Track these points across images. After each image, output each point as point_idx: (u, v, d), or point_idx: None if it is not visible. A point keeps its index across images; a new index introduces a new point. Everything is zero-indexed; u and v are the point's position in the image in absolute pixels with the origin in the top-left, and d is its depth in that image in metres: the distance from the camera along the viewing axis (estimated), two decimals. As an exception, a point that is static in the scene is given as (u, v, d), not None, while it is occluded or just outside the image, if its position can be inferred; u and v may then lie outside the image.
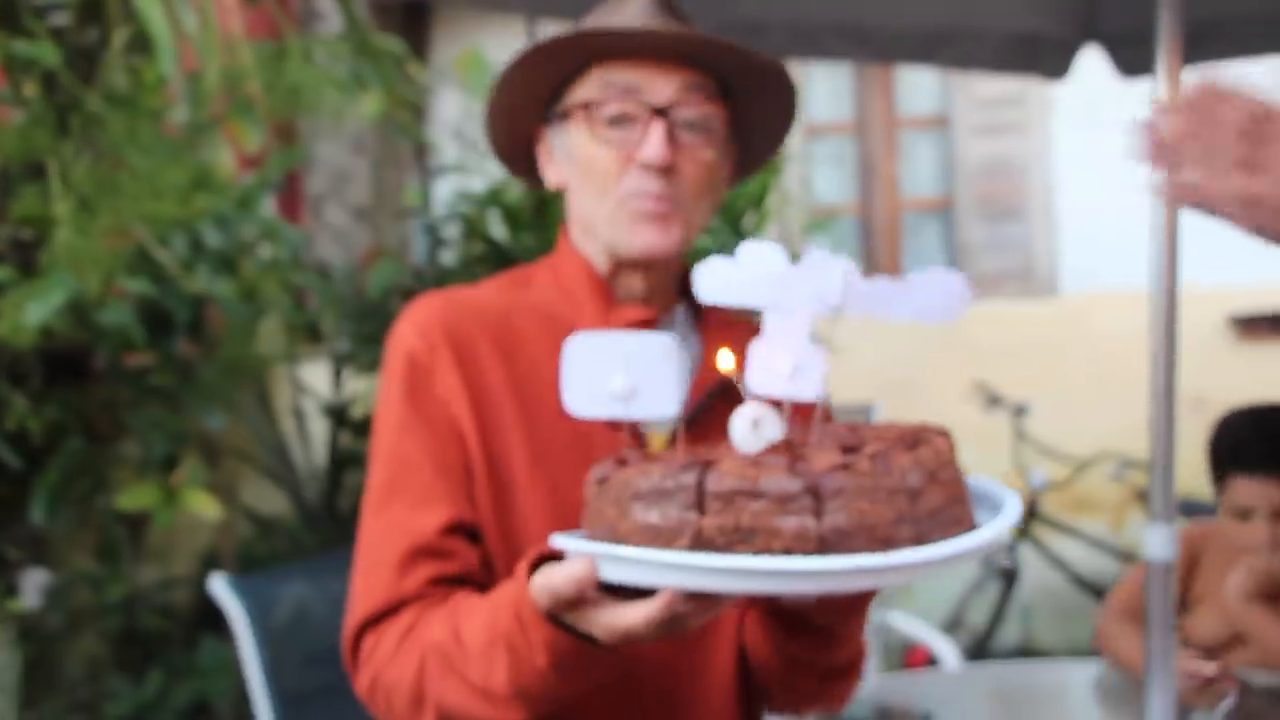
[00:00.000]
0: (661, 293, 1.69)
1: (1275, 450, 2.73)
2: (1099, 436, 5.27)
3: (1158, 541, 2.24)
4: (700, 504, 1.20)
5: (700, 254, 4.40)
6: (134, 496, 3.83)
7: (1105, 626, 2.93)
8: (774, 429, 1.22)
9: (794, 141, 7.38)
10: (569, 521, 1.44)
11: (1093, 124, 7.00)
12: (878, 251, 7.62)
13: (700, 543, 1.19)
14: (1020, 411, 5.56)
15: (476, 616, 1.42)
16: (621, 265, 1.64)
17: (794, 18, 3.10)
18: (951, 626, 5.27)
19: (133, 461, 4.23)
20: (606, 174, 1.59)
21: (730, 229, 4.93)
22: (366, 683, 1.52)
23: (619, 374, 1.33)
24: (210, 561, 4.26)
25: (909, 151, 7.67)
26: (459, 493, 1.56)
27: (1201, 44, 2.85)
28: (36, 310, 3.51)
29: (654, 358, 1.33)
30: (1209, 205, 1.37)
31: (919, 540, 1.17)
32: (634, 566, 1.22)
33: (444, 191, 5.51)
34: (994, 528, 1.23)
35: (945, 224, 7.59)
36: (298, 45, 4.13)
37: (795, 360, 1.28)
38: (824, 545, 1.15)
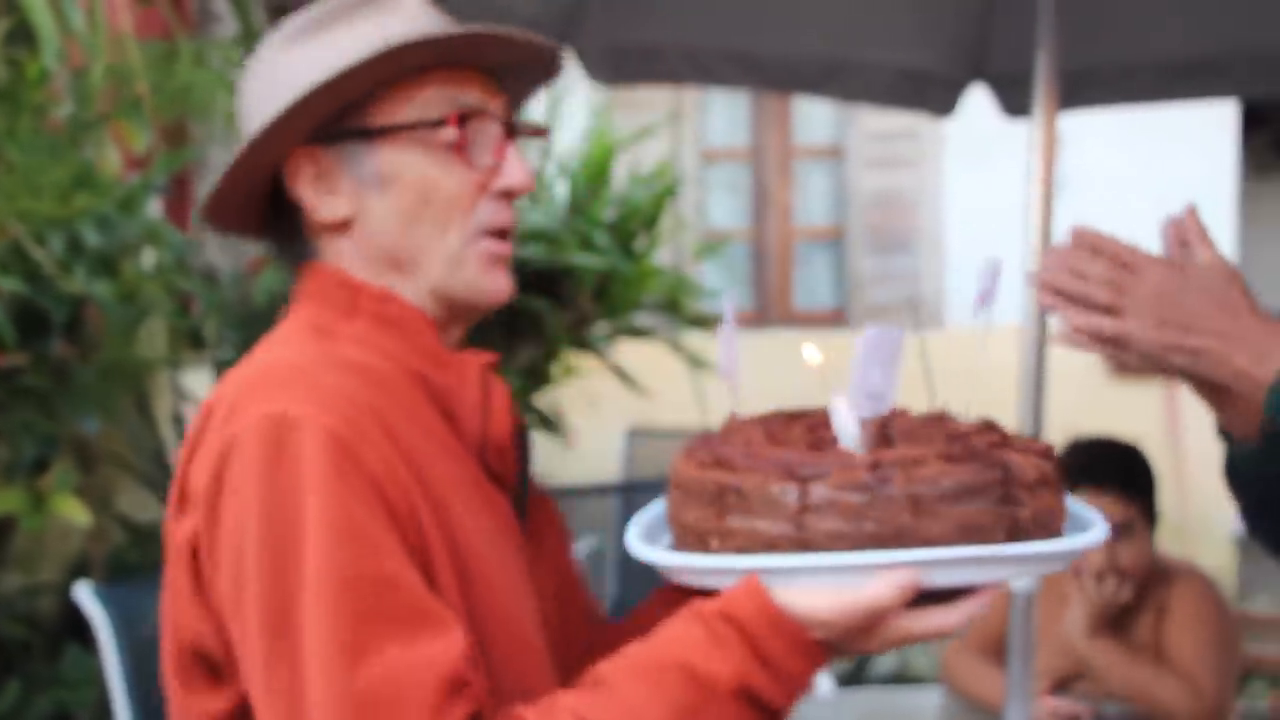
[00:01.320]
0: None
1: (1116, 468, 2.82)
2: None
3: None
4: (1010, 496, 1.20)
5: (590, 274, 4.42)
6: (6, 500, 3.76)
7: (952, 657, 3.00)
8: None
9: (689, 166, 7.44)
10: (518, 588, 1.35)
11: (982, 162, 7.13)
12: (768, 279, 7.69)
13: (1016, 534, 1.20)
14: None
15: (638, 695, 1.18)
16: (454, 310, 1.44)
17: (690, 44, 3.12)
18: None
19: (2, 464, 4.15)
20: (454, 204, 1.40)
21: (622, 250, 4.95)
22: None
23: (877, 371, 1.29)
24: (79, 569, 4.18)
25: (803, 181, 7.75)
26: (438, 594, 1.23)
27: (1079, 89, 2.93)
28: (-97, 306, 3.44)
29: (897, 355, 1.30)
30: (1083, 345, 1.53)
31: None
32: (974, 566, 1.18)
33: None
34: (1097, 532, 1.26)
35: (836, 253, 7.67)
36: (190, 47, 4.09)
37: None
38: None
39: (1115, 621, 2.75)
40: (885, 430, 1.32)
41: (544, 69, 1.52)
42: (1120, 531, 2.71)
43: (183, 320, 4.31)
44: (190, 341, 4.40)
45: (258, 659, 1.18)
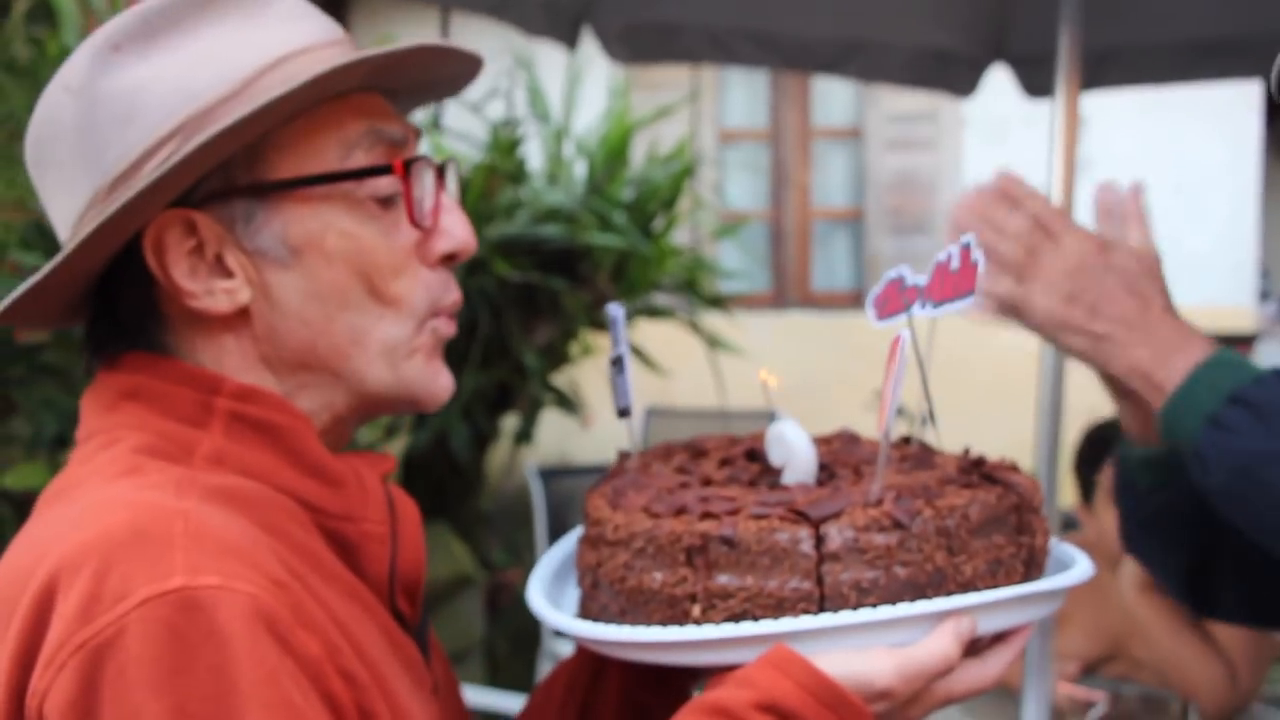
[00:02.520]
0: None
1: None
2: (993, 449, 5.32)
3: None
4: (1023, 524, 1.09)
5: (608, 254, 4.42)
6: (22, 475, 3.78)
7: None
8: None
9: (708, 146, 7.43)
10: (430, 716, 1.10)
11: (1001, 143, 7.10)
12: (786, 260, 7.67)
13: (1031, 567, 1.09)
14: (921, 422, 5.59)
15: None
16: (368, 414, 1.13)
17: (709, 22, 3.11)
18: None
19: (22, 440, 4.17)
20: (389, 268, 1.07)
21: (640, 230, 4.95)
22: None
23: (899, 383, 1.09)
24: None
25: (821, 161, 7.73)
26: None
27: (1102, 69, 2.92)
28: (-73, 282, 3.46)
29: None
30: (977, 305, 1.39)
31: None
32: (1024, 607, 1.05)
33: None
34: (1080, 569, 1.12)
35: (854, 234, 7.66)
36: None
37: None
38: None
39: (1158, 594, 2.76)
40: (835, 463, 1.20)
41: (450, 85, 1.22)
42: None
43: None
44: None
45: None
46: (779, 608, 1.00)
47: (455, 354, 4.58)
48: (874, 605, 0.99)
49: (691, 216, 6.19)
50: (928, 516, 1.01)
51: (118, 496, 0.95)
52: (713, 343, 5.25)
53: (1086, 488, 2.88)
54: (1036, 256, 1.40)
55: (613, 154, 5.11)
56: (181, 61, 1.02)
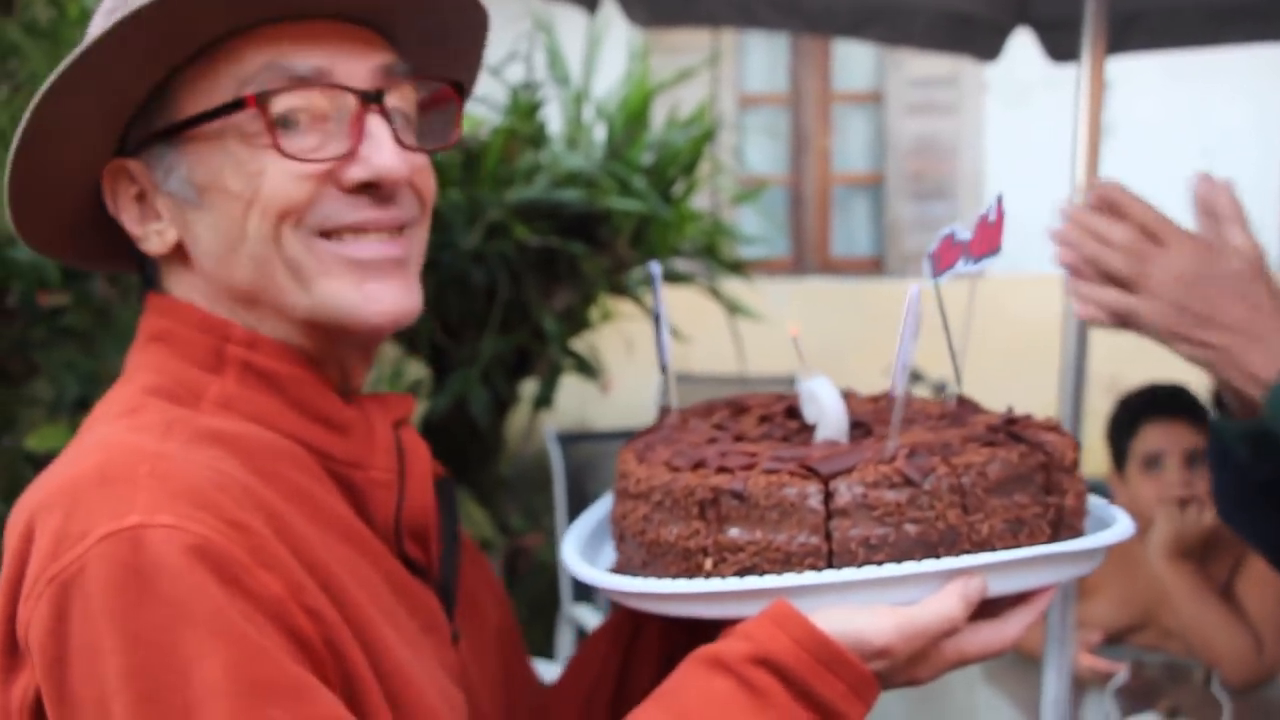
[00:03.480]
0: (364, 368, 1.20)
1: (1182, 399, 2.84)
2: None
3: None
4: (1052, 484, 1.06)
5: (627, 219, 4.41)
6: (44, 437, 3.79)
7: None
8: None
9: (728, 110, 7.40)
10: (446, 699, 1.10)
11: (1024, 107, 7.08)
12: (806, 224, 7.66)
13: (1059, 527, 1.05)
14: (940, 389, 5.63)
15: None
16: (332, 342, 1.13)
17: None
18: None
19: (44, 402, 4.19)
20: (284, 200, 1.06)
21: (660, 195, 4.93)
22: None
23: (914, 340, 1.09)
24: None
25: (842, 126, 7.71)
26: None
27: (1127, 33, 2.90)
28: (-51, 245, 3.47)
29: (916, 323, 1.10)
30: (1090, 316, 1.43)
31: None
32: (1041, 568, 1.02)
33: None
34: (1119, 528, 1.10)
35: (875, 199, 7.65)
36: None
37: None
38: None
39: (1196, 554, 2.75)
40: (871, 420, 1.18)
41: (457, 37, 1.21)
42: (1195, 459, 2.77)
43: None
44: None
45: None
46: (787, 562, 1.01)
47: (474, 318, 4.58)
48: (882, 562, 0.99)
49: (711, 181, 6.17)
50: (941, 473, 1.01)
51: (101, 439, 1.01)
52: (732, 308, 5.24)
53: (1119, 456, 2.88)
54: (1145, 266, 1.39)
55: (632, 118, 5.09)
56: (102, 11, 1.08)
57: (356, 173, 1.08)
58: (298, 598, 0.94)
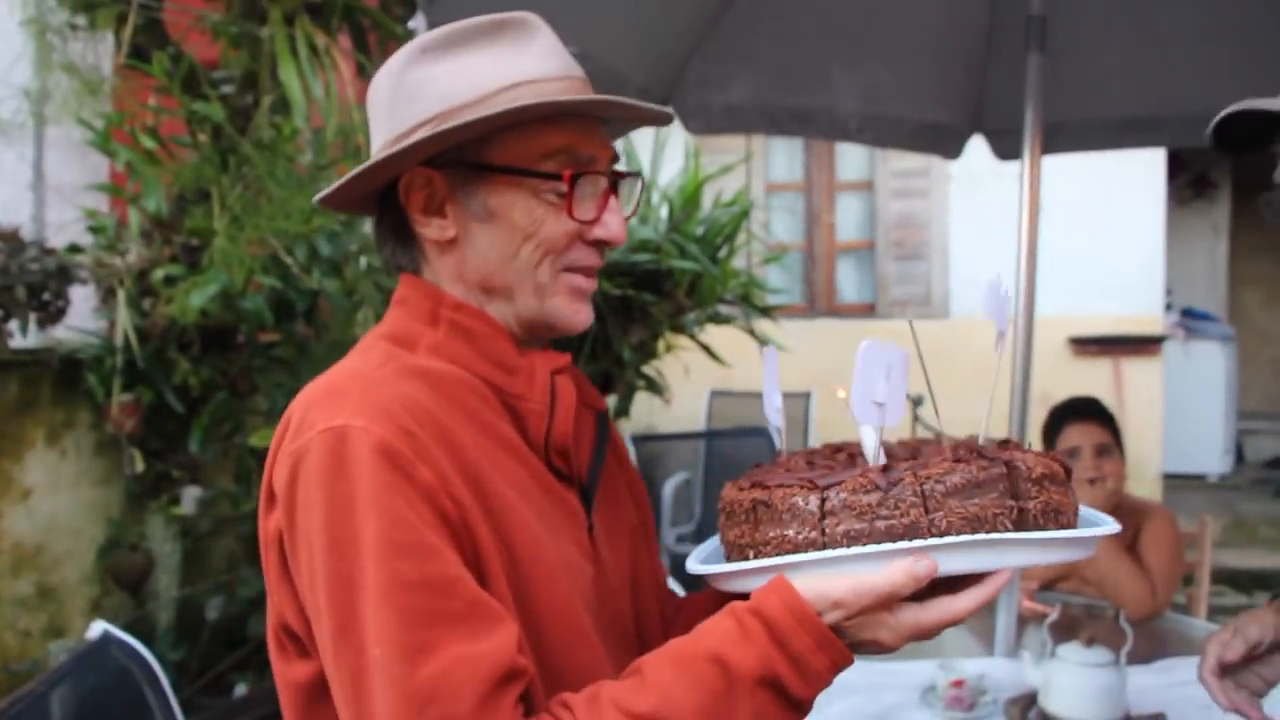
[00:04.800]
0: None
1: (1093, 406, 2.87)
2: (973, 422, 5.30)
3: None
4: (1016, 490, 1.02)
5: (685, 275, 4.39)
6: (263, 437, 3.86)
7: None
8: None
9: (758, 194, 7.41)
10: (580, 585, 1.13)
11: (978, 193, 7.04)
12: (816, 280, 7.64)
13: (1023, 525, 1.01)
14: (917, 402, 5.59)
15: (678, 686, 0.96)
16: (535, 329, 1.19)
17: (761, 103, 3.13)
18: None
19: (262, 411, 4.26)
20: (554, 243, 1.14)
21: (709, 258, 4.95)
22: None
23: (881, 383, 1.07)
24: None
25: (843, 206, 7.68)
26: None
27: (1054, 139, 2.90)
28: (198, 297, 3.55)
29: (900, 369, 1.09)
30: None
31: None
32: (983, 551, 0.98)
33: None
34: (1109, 527, 1.06)
35: (868, 261, 7.61)
36: (395, 110, 4.15)
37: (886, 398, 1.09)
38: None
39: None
40: (915, 454, 1.16)
41: (652, 119, 1.23)
42: (1104, 450, 2.79)
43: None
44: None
45: (328, 651, 0.98)
46: (795, 550, 1.03)
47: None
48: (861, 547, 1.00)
49: (746, 247, 6.19)
50: (907, 481, 1.00)
51: (343, 365, 1.13)
52: (763, 342, 5.24)
53: (1053, 438, 2.89)
54: None
55: (688, 200, 5.11)
56: (455, 70, 1.13)
57: (599, 233, 1.17)
58: (446, 488, 1.01)
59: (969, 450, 1.05)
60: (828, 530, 1.01)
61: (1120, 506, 2.78)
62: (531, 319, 1.17)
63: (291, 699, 1.10)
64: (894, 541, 0.99)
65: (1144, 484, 6.58)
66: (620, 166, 1.22)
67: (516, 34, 1.15)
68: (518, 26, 1.16)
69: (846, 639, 1.00)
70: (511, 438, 1.13)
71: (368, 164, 1.13)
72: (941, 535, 0.98)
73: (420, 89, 1.13)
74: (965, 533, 0.99)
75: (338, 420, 1.00)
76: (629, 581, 1.29)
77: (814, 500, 1.02)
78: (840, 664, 1.00)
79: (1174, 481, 7.39)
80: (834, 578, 0.99)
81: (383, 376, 1.07)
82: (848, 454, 1.21)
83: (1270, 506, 7.13)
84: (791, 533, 1.03)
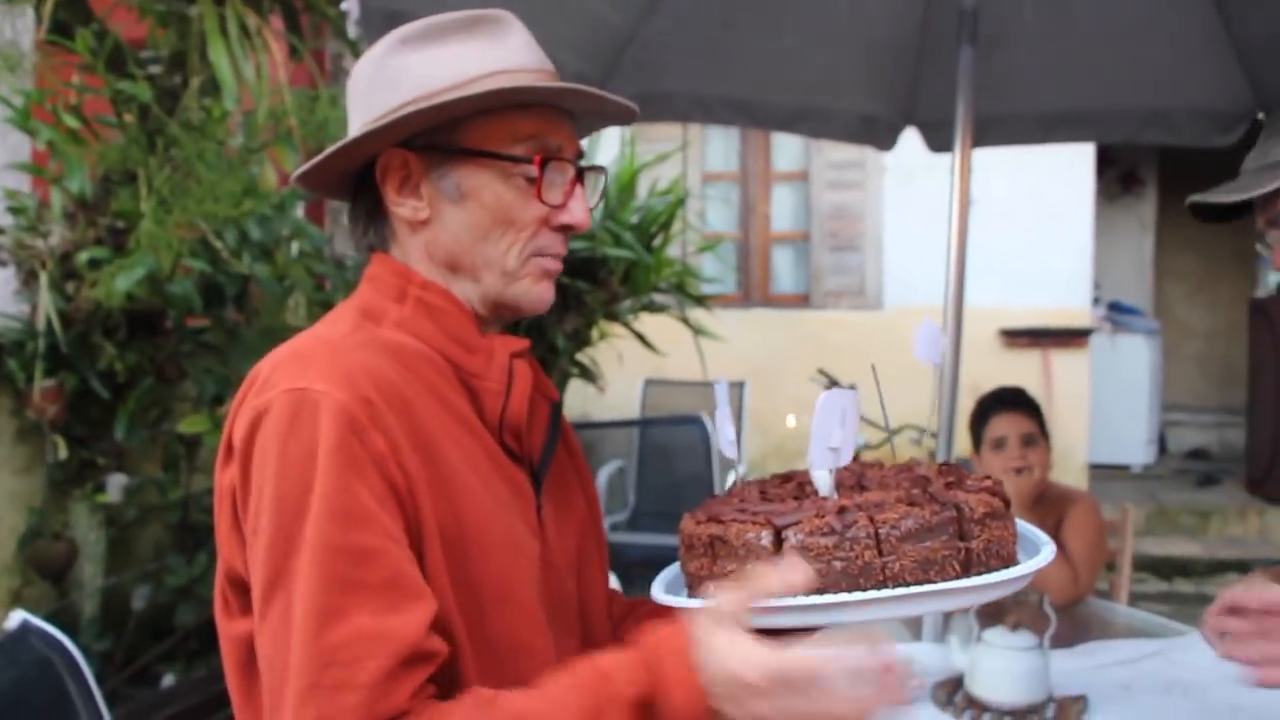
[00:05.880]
0: None
1: (1020, 397, 2.90)
2: (904, 413, 5.39)
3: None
4: (963, 532, 1.04)
5: (619, 263, 4.39)
6: (190, 423, 3.81)
7: None
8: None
9: (694, 184, 7.43)
10: (526, 560, 1.15)
11: (911, 185, 7.12)
12: (751, 270, 7.68)
13: (969, 564, 1.03)
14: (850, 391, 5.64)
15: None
16: (499, 309, 1.23)
17: (696, 92, 3.13)
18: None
19: (191, 398, 4.20)
20: (520, 229, 1.19)
21: (644, 246, 4.96)
22: None
23: (837, 430, 1.09)
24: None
25: (778, 196, 7.73)
26: (420, 572, 1.04)
27: (985, 132, 2.94)
28: (124, 280, 3.48)
29: (852, 412, 1.10)
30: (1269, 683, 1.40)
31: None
32: (943, 597, 1.00)
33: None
34: (1041, 557, 1.10)
35: (802, 252, 7.66)
36: (327, 93, 4.10)
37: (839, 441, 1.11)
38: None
39: (1029, 508, 2.79)
40: (861, 480, 1.18)
41: (616, 118, 1.30)
42: (1029, 439, 2.83)
43: (319, 295, 4.34)
44: (323, 310, 4.44)
45: (258, 600, 1.02)
46: None
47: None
48: (818, 590, 0.99)
49: (681, 236, 6.20)
50: (862, 524, 1.02)
51: (313, 332, 1.18)
52: (697, 331, 5.27)
53: (976, 440, 2.92)
54: None
55: (624, 189, 5.12)
56: (433, 60, 1.17)
57: (565, 219, 1.21)
58: (396, 456, 1.04)
59: (921, 491, 1.08)
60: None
61: (1045, 495, 2.83)
62: (496, 299, 1.21)
63: (233, 653, 1.14)
64: (849, 583, 1.00)
65: (1070, 474, 6.72)
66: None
67: (492, 29, 1.20)
68: (494, 22, 1.20)
69: (714, 700, 0.95)
70: (467, 413, 1.17)
71: (346, 140, 1.17)
72: (894, 578, 1.01)
73: (399, 76, 1.17)
74: (918, 574, 1.01)
75: (300, 382, 1.04)
76: (575, 568, 1.30)
77: (768, 538, 1.04)
78: (694, 708, 0.95)
79: (1099, 471, 7.55)
80: (756, 649, 0.93)
81: (349, 344, 1.11)
82: (797, 483, 1.23)
83: (1191, 496, 7.32)
84: (747, 569, 1.02)
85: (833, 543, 1.01)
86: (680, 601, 1.09)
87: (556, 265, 1.23)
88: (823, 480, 1.12)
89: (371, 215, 1.24)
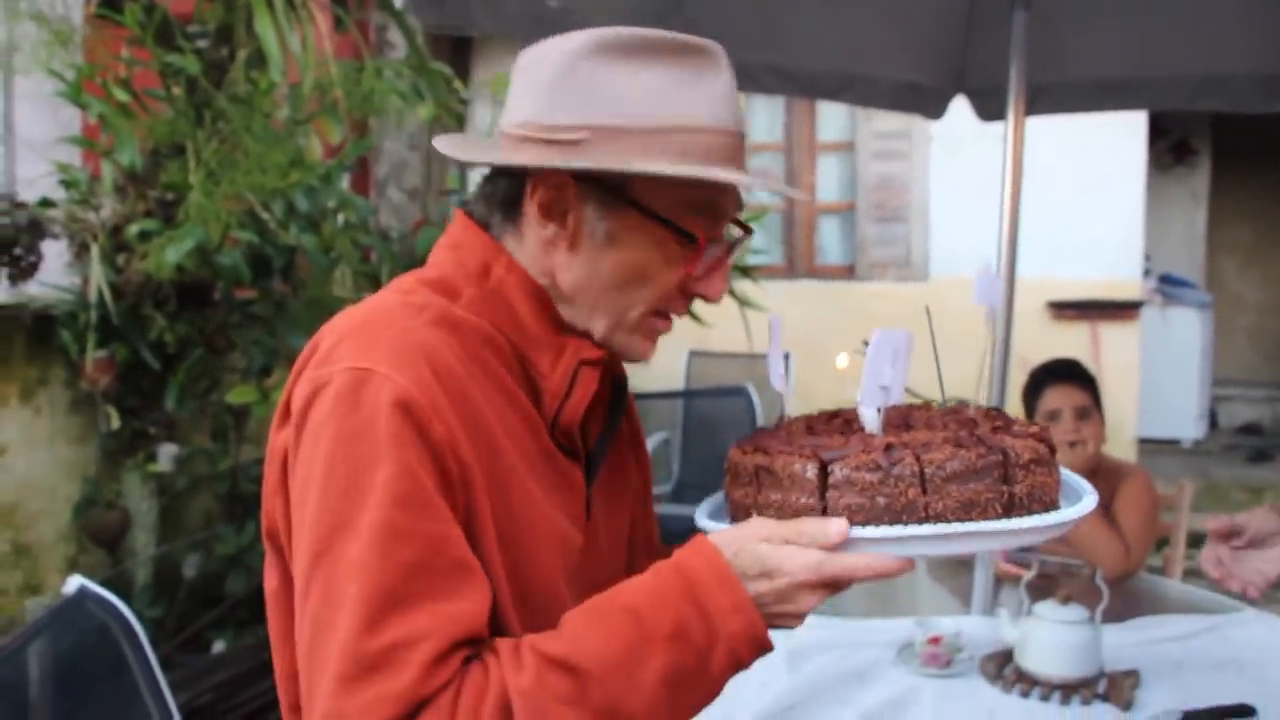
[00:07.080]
0: None
1: (1075, 369, 2.88)
2: (951, 384, 5.33)
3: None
4: (1008, 476, 1.05)
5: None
6: (239, 394, 3.85)
7: None
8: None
9: (739, 156, 7.39)
10: (566, 553, 1.15)
11: (959, 155, 7.03)
12: (796, 241, 7.64)
13: (1011, 508, 1.05)
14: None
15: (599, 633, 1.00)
16: (592, 338, 1.18)
17: (741, 60, 3.09)
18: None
19: (239, 369, 4.25)
20: (657, 287, 1.14)
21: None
22: None
23: (889, 368, 1.11)
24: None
25: (823, 167, 7.67)
26: (478, 559, 1.03)
27: (1036, 100, 2.89)
28: (174, 252, 3.53)
29: (905, 352, 1.12)
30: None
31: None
32: (972, 539, 1.04)
33: (477, 178, 5.49)
34: (1084, 504, 1.11)
35: (848, 223, 7.61)
36: (372, 65, 4.12)
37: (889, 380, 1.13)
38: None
39: None
40: (908, 420, 1.20)
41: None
42: (1084, 413, 2.80)
43: (364, 266, 4.37)
44: (369, 283, 4.47)
45: (302, 569, 1.01)
46: (796, 514, 1.06)
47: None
48: (861, 522, 1.03)
49: (726, 208, 6.16)
50: (908, 462, 1.03)
51: (380, 300, 1.12)
52: (743, 303, 5.24)
53: (1029, 412, 2.89)
54: None
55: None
56: (631, 83, 1.08)
57: (702, 290, 1.16)
58: (453, 446, 1.02)
59: (969, 434, 1.09)
60: (829, 501, 1.05)
61: (1099, 469, 2.80)
62: (600, 338, 1.16)
63: (270, 604, 1.16)
64: (891, 519, 1.02)
65: (1119, 448, 6.64)
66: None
67: (700, 64, 1.11)
68: (703, 56, 1.12)
69: (765, 610, 1.02)
70: (524, 404, 1.13)
71: (523, 161, 1.10)
72: (936, 516, 1.02)
73: (592, 87, 1.09)
74: (960, 514, 1.02)
75: (364, 362, 1.01)
76: (626, 543, 1.32)
77: (814, 470, 1.05)
78: (754, 633, 1.01)
79: (1149, 446, 7.46)
80: (778, 549, 1.01)
81: (417, 324, 1.07)
82: (844, 420, 1.24)
83: (1243, 471, 7.22)
84: (793, 498, 1.06)
85: (878, 478, 1.03)
86: (719, 527, 1.11)
87: (669, 326, 1.18)
88: (870, 418, 1.12)
89: (506, 204, 1.17)
